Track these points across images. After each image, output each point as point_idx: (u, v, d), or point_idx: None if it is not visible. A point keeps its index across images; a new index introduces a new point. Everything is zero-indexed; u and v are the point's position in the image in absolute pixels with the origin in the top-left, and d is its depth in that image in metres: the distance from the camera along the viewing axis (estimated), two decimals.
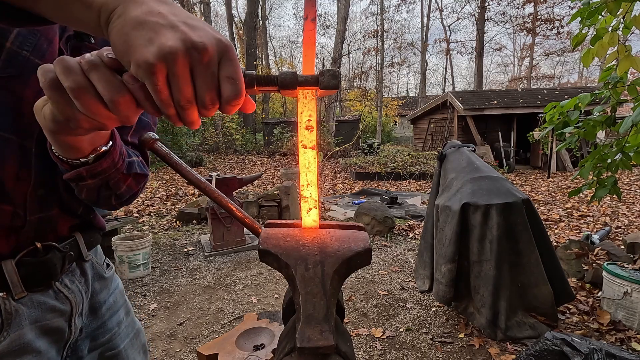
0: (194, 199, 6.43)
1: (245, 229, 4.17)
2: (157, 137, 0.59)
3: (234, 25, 21.14)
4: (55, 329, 0.57)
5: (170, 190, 7.48)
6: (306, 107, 0.36)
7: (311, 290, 0.33)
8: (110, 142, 0.48)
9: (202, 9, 17.96)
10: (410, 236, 4.52)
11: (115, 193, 0.57)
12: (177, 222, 5.25)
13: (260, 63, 22.52)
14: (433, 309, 2.65)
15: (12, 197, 0.51)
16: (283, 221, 0.45)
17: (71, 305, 0.60)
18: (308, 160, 0.38)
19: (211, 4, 17.54)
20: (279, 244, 0.37)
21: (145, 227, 5.04)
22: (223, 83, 0.31)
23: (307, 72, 0.36)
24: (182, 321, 2.57)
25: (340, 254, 0.36)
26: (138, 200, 6.56)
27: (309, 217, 0.41)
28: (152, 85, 0.30)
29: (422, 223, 3.83)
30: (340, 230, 0.43)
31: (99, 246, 0.72)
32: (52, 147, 0.46)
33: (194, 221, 5.26)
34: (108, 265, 0.74)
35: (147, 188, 7.74)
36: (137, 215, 5.65)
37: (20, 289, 0.52)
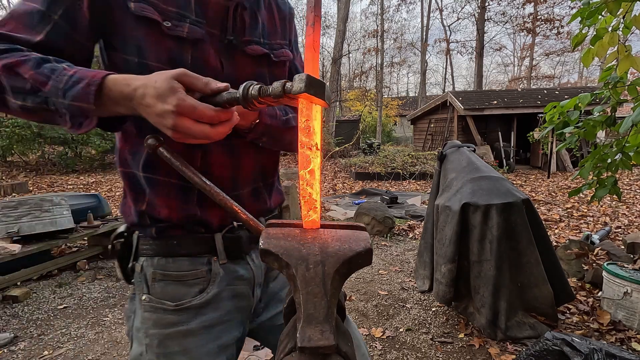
0: None
1: None
2: (162, 140, 0.59)
3: None
4: (241, 294, 0.74)
5: None
6: (303, 112, 0.39)
7: (312, 290, 0.33)
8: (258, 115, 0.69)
9: None
10: (410, 236, 4.52)
11: (284, 143, 0.79)
12: None
13: None
14: (433, 309, 2.65)
15: (219, 182, 0.67)
16: (285, 221, 0.45)
17: (254, 276, 0.76)
18: (308, 160, 0.38)
19: None
20: (280, 243, 0.37)
21: None
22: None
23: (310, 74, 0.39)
24: None
25: (341, 253, 0.36)
26: None
27: (310, 217, 0.41)
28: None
29: (422, 223, 3.83)
30: (341, 230, 0.43)
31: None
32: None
33: None
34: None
35: None
36: None
37: (224, 257, 0.70)
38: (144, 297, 0.68)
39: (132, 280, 0.72)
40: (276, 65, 0.77)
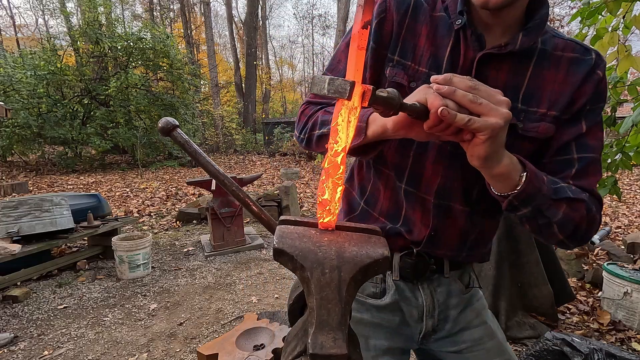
0: (194, 199, 6.43)
1: (244, 229, 4.16)
2: (176, 123, 0.59)
3: (234, 25, 21.12)
4: (408, 313, 0.78)
5: (170, 191, 7.48)
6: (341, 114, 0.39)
7: (326, 296, 0.32)
8: (525, 170, 0.55)
9: (202, 8, 17.96)
10: None
11: (552, 221, 0.60)
12: (177, 222, 5.25)
13: (260, 63, 22.51)
14: None
15: (416, 231, 0.74)
16: (298, 219, 0.43)
17: (424, 304, 0.78)
18: (338, 159, 0.38)
19: (211, 4, 17.53)
20: (295, 244, 0.36)
21: (145, 227, 5.04)
22: None
23: (352, 77, 0.38)
24: (182, 321, 2.57)
25: (358, 260, 0.35)
26: (138, 201, 6.56)
27: (326, 217, 0.40)
28: None
29: None
30: (357, 234, 0.41)
31: (471, 269, 0.85)
32: (491, 186, 0.59)
33: (194, 221, 5.26)
34: (468, 286, 0.82)
35: (147, 189, 7.75)
36: (137, 215, 5.65)
37: (397, 274, 0.76)
38: None
39: None
40: (523, 139, 0.64)
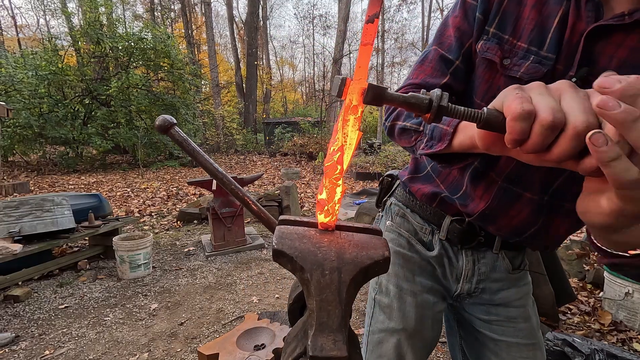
0: (195, 199, 6.43)
1: (245, 229, 4.17)
2: (174, 121, 0.58)
3: (234, 25, 21.14)
4: (447, 271, 0.83)
5: (171, 190, 7.48)
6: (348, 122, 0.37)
7: (326, 298, 0.32)
8: None
9: (203, 9, 17.97)
10: None
11: None
12: (178, 222, 5.25)
13: (261, 63, 22.52)
14: None
15: (473, 205, 0.73)
16: (297, 219, 0.43)
17: (463, 268, 0.81)
18: (334, 157, 0.37)
19: (212, 4, 17.54)
20: (295, 245, 0.36)
21: (146, 227, 5.05)
22: None
23: (360, 77, 0.36)
24: (182, 321, 2.58)
25: (358, 261, 0.35)
26: (139, 200, 6.57)
27: (326, 217, 0.39)
28: None
29: None
30: (358, 234, 0.41)
31: (524, 254, 0.85)
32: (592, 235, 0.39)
33: (195, 221, 5.26)
34: (517, 268, 0.83)
35: (148, 189, 7.75)
36: (138, 215, 5.65)
37: (444, 234, 0.80)
38: (388, 223, 0.90)
39: (380, 209, 0.98)
40: None
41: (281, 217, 0.42)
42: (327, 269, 0.34)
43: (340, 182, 0.37)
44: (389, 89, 0.37)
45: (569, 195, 0.64)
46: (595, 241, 0.40)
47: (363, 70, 0.35)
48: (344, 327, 0.32)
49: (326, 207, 0.39)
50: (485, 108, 0.35)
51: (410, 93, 0.37)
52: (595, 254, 0.52)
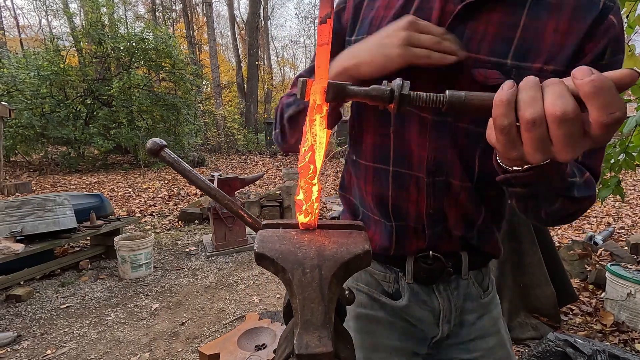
0: (196, 199, 6.44)
1: (246, 229, 4.17)
2: (164, 143, 0.58)
3: (236, 25, 21.15)
4: (422, 318, 0.74)
5: (173, 190, 7.49)
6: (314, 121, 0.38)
7: (309, 295, 0.32)
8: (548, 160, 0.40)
9: (204, 9, 17.99)
10: None
11: (545, 210, 0.54)
12: (179, 222, 5.26)
13: (262, 63, 22.53)
14: None
15: (413, 216, 0.68)
16: (280, 221, 0.43)
17: (440, 308, 0.73)
18: (306, 157, 0.38)
19: (213, 5, 17.57)
20: (275, 247, 0.36)
21: (147, 227, 5.06)
22: None
23: (321, 77, 0.36)
24: (184, 321, 2.58)
25: (338, 257, 0.35)
26: (140, 200, 6.58)
27: (306, 217, 0.40)
28: None
29: None
30: (338, 231, 0.41)
31: (489, 272, 0.79)
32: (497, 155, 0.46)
33: (196, 221, 5.27)
34: (486, 291, 0.77)
35: (149, 188, 7.77)
36: (140, 215, 5.66)
37: (410, 277, 0.71)
38: None
39: None
40: None
41: (264, 222, 0.43)
42: (307, 267, 0.34)
43: (315, 181, 0.38)
44: (349, 85, 0.39)
45: (488, 174, 0.61)
46: (498, 160, 0.47)
47: (323, 70, 0.36)
48: (329, 323, 0.32)
49: (304, 207, 0.39)
50: (447, 91, 0.38)
51: (371, 86, 0.39)
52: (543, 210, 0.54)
